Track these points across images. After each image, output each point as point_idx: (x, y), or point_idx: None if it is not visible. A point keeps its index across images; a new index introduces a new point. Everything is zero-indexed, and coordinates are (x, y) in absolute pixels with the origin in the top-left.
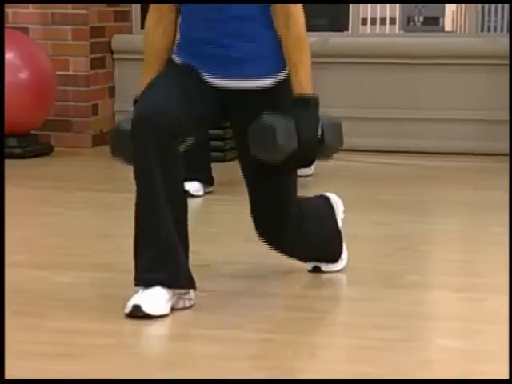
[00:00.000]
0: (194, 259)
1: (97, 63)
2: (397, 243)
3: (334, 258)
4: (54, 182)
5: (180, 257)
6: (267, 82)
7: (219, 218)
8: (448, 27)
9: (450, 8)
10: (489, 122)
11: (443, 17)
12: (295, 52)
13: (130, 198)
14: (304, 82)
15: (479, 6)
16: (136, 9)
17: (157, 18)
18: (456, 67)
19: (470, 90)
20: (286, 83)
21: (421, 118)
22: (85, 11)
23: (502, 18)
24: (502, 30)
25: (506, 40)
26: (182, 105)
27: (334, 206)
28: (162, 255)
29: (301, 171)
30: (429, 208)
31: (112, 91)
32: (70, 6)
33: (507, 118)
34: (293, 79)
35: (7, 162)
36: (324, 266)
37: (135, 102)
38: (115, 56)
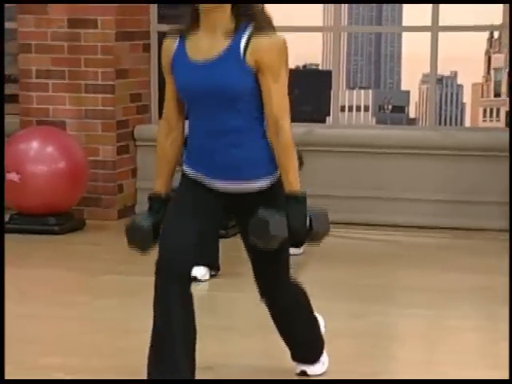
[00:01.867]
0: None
1: (122, 150)
2: (369, 340)
3: (315, 358)
4: (83, 262)
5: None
6: (263, 183)
7: (221, 307)
8: (412, 114)
9: (413, 99)
10: (446, 202)
11: (408, 106)
12: (284, 157)
13: (152, 282)
14: (293, 182)
15: (438, 97)
16: (154, 102)
17: (166, 131)
18: (418, 156)
19: (429, 175)
20: (279, 182)
21: (390, 197)
22: (112, 108)
23: (457, 107)
24: (456, 121)
25: (459, 134)
26: (197, 233)
27: (319, 318)
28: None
29: (292, 250)
30: (399, 296)
31: (134, 172)
32: (100, 103)
33: (462, 198)
34: (284, 179)
35: (46, 238)
36: (309, 370)
37: (149, 198)
38: (137, 143)
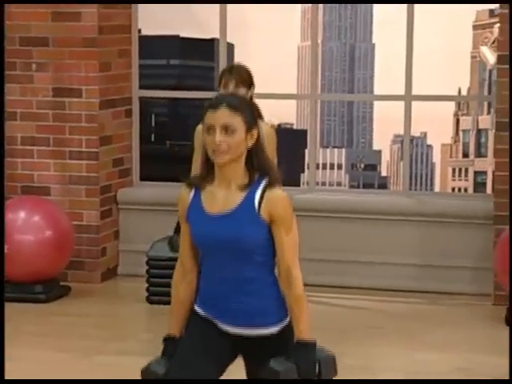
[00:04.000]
0: None
1: (105, 214)
2: None
3: None
4: (74, 340)
5: None
6: (275, 329)
7: None
8: (384, 173)
9: (385, 158)
10: (419, 266)
11: (380, 164)
12: (296, 307)
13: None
14: (303, 331)
15: (412, 156)
16: (136, 165)
17: (181, 275)
18: (392, 222)
19: (403, 240)
20: (289, 328)
21: (364, 260)
22: (96, 174)
23: (427, 166)
24: (426, 181)
25: (432, 200)
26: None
27: None
28: None
29: None
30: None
31: (117, 234)
32: (84, 169)
33: (435, 263)
34: (294, 327)
35: (33, 308)
36: None
37: (164, 341)
38: (120, 206)
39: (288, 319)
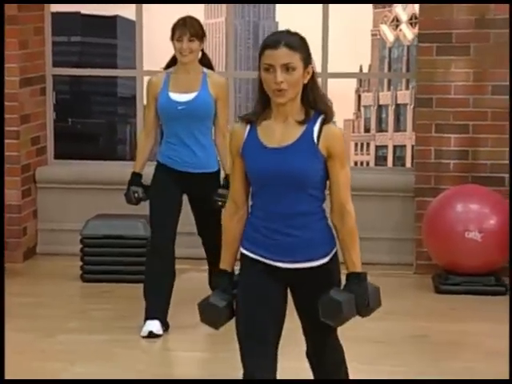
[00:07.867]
0: None
1: (26, 193)
2: None
3: None
4: (28, 320)
5: None
6: (323, 260)
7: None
8: None
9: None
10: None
11: None
12: (349, 241)
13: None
14: (356, 262)
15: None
16: (50, 143)
17: (233, 211)
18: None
19: None
20: (335, 259)
21: None
22: (17, 153)
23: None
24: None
25: (369, 176)
26: (270, 326)
27: None
28: None
29: None
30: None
31: (35, 213)
32: (5, 148)
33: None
34: (347, 260)
35: None
36: None
37: (216, 275)
38: (38, 185)
39: (335, 250)
